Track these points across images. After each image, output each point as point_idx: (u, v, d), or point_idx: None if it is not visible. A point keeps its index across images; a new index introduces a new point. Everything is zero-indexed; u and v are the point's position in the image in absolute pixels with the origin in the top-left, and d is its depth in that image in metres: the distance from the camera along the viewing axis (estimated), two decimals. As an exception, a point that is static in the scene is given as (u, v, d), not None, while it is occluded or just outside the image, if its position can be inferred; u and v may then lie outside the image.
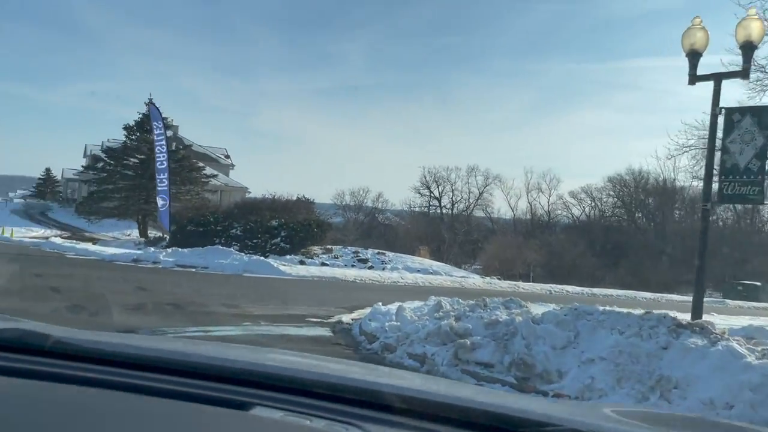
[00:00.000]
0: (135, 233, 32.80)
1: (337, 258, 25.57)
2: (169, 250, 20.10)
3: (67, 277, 10.85)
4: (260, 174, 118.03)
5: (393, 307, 9.80)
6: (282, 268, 17.87)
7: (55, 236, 27.23)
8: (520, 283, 22.39)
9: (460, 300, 8.53)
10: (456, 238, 41.02)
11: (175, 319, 7.77)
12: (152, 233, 31.01)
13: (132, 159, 32.43)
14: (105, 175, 33.02)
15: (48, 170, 68.41)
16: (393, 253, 27.38)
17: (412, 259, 27.00)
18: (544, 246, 36.74)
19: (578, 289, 23.11)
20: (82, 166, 36.08)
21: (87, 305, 8.02)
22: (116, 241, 28.74)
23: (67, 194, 55.91)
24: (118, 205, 32.37)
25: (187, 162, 33.90)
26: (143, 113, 30.35)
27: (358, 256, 26.02)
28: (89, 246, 21.70)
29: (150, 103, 26.15)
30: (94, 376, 1.10)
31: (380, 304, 9.31)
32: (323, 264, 23.49)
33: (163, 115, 29.55)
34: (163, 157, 24.24)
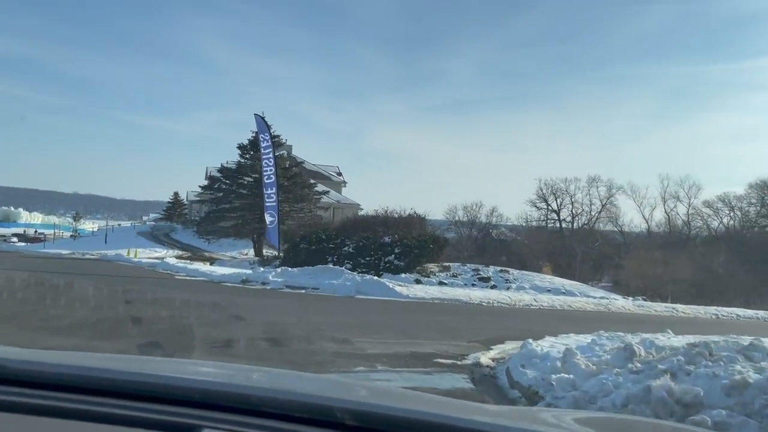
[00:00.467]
0: (252, 252, 32.59)
1: (455, 276, 23.45)
2: (279, 269, 19.03)
3: (159, 303, 9.61)
4: (372, 191, 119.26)
5: (546, 344, 7.51)
6: (398, 289, 16.05)
7: (171, 257, 27.35)
8: (678, 306, 18.90)
9: (656, 341, 6.03)
10: (590, 254, 37.24)
11: (268, 361, 6.02)
12: (267, 252, 30.58)
13: (246, 178, 32.36)
14: (221, 194, 33.20)
15: (176, 194, 72.02)
16: (518, 271, 24.72)
17: (540, 277, 24.19)
18: (690, 261, 32.15)
19: (749, 312, 19.16)
20: (200, 187, 36.70)
21: (165, 342, 6.51)
22: (232, 261, 28.50)
23: (192, 215, 58.20)
24: (234, 225, 32.36)
25: (299, 179, 33.40)
26: (255, 131, 30.16)
27: (478, 274, 23.70)
28: (201, 266, 21.20)
29: (257, 116, 25.57)
30: (28, 401, 1.02)
31: (531, 341, 7.05)
32: (441, 283, 21.49)
33: (276, 133, 29.12)
34: (271, 171, 23.40)
